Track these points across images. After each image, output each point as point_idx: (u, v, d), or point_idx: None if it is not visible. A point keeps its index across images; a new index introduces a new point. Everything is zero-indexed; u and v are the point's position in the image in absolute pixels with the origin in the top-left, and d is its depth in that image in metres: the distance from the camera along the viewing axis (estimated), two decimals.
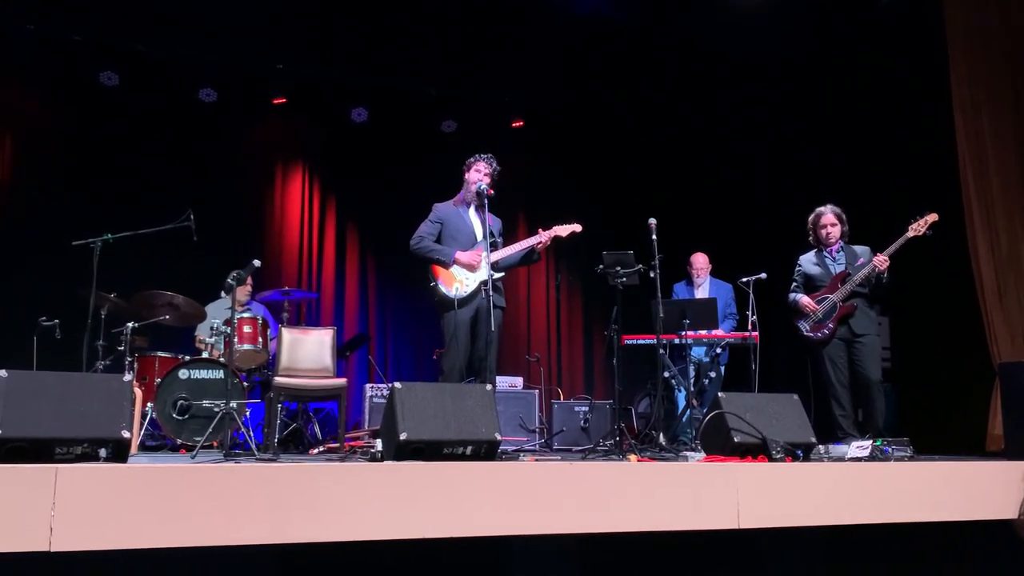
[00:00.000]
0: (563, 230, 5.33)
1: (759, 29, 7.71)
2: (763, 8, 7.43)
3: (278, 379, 5.50)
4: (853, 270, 5.43)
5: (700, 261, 7.13)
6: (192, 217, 5.34)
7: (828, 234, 5.61)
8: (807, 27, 7.76)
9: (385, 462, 3.54)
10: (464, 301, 5.07)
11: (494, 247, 5.16)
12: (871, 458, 4.31)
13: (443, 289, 5.10)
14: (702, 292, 7.03)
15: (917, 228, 5.31)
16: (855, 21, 7.63)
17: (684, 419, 6.45)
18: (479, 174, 5.27)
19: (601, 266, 5.26)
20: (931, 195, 6.02)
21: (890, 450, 4.38)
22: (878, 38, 7.58)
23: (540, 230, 5.29)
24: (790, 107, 8.45)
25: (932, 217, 5.32)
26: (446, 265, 5.15)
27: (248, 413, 5.93)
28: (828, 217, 5.63)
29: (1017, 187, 6.42)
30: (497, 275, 5.10)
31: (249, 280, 6.80)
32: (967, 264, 6.36)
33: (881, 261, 5.28)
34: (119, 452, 3.15)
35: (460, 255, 5.14)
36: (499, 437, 3.69)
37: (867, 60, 7.73)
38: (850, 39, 7.78)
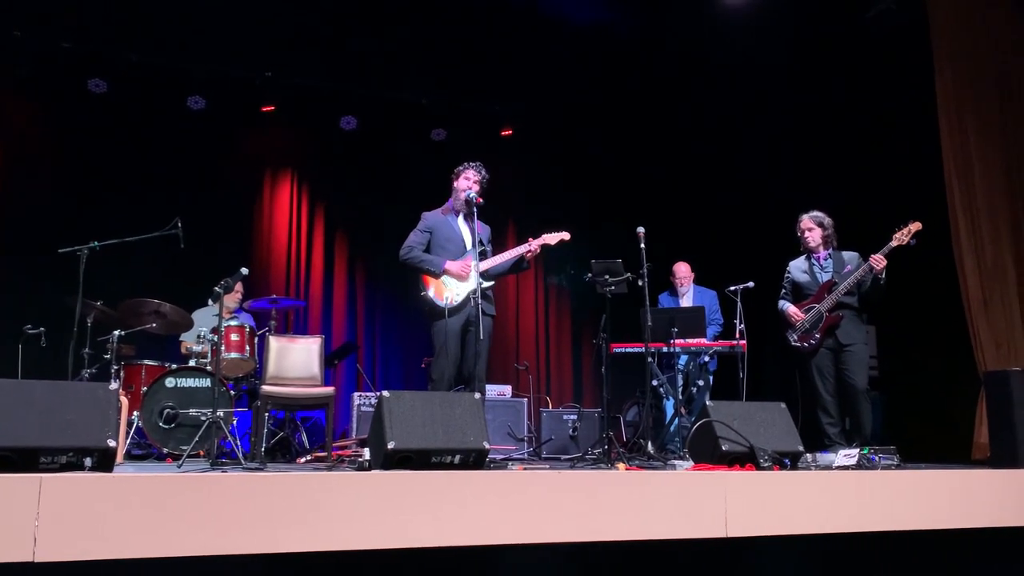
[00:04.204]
0: (552, 238, 5.34)
1: (748, 39, 7.76)
2: (752, 18, 7.48)
3: (265, 388, 5.47)
4: (839, 279, 5.45)
5: (683, 270, 7.16)
6: (180, 225, 5.32)
7: (806, 238, 5.65)
8: (796, 38, 7.82)
9: (373, 471, 3.54)
10: (455, 310, 5.06)
11: (483, 255, 5.17)
12: (858, 466, 4.33)
13: (434, 298, 5.10)
14: (686, 301, 7.05)
15: (900, 237, 5.33)
16: (843, 32, 7.69)
17: (672, 427, 6.46)
18: (468, 182, 5.28)
19: (590, 274, 5.27)
20: (917, 204, 6.06)
21: (877, 458, 4.39)
22: (865, 48, 7.64)
23: (529, 239, 5.30)
24: (778, 116, 8.51)
25: (915, 226, 5.35)
26: (436, 275, 5.14)
27: (235, 422, 5.90)
28: (805, 221, 5.67)
29: (1002, 197, 6.47)
30: (487, 284, 5.11)
31: (239, 287, 6.78)
32: (953, 273, 6.40)
33: (878, 260, 5.24)
34: (104, 461, 3.13)
35: (450, 265, 5.14)
36: (488, 446, 3.69)
37: (854, 70, 7.80)
38: (838, 49, 7.84)
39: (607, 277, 5.17)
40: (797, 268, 5.73)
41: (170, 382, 5.74)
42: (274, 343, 5.75)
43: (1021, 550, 4.08)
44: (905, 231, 5.34)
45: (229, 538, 2.80)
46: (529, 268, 5.53)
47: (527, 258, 5.31)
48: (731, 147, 8.94)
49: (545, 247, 5.33)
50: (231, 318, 6.34)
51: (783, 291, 5.77)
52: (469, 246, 5.25)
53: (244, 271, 4.88)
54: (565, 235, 5.37)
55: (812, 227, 5.63)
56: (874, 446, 4.65)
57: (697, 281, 7.19)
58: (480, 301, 4.83)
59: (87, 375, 5.57)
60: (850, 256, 5.57)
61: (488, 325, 5.01)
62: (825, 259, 5.62)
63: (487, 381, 5.36)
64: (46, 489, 2.63)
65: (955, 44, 6.64)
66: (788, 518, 3.59)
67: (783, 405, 4.36)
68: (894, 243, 5.32)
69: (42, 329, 5.72)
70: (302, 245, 8.77)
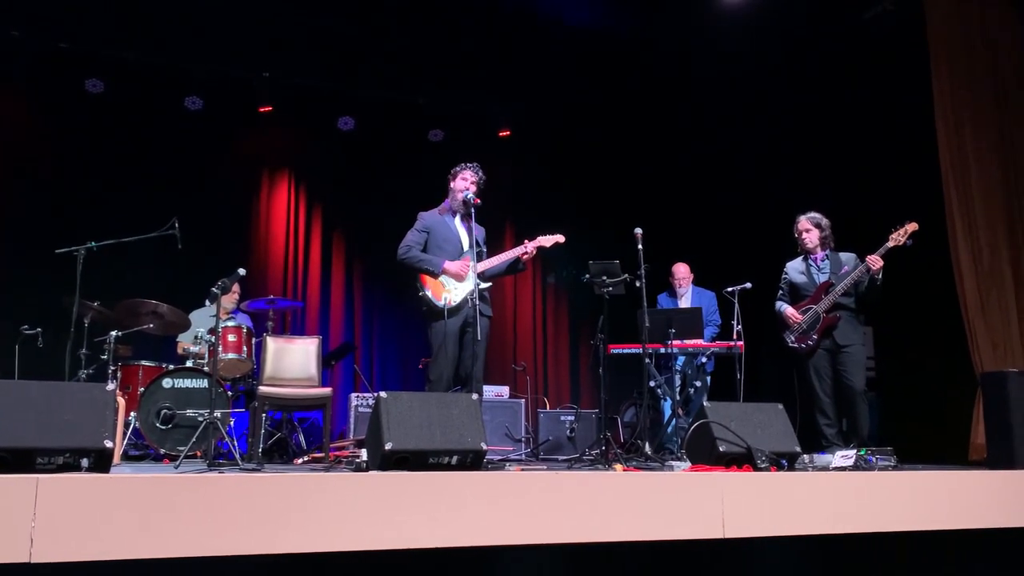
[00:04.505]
0: (547, 241, 5.37)
1: (744, 40, 7.76)
2: (748, 19, 7.48)
3: (263, 388, 5.47)
4: (836, 279, 5.46)
5: (681, 271, 7.16)
6: (177, 225, 5.32)
7: (804, 239, 5.65)
8: (792, 39, 7.83)
9: (370, 472, 3.53)
10: (453, 311, 5.07)
11: (479, 256, 5.17)
12: (855, 467, 4.33)
13: (432, 299, 5.10)
14: (685, 302, 7.05)
15: (897, 238, 5.33)
16: (841, 33, 7.69)
17: (670, 428, 6.47)
18: (465, 183, 5.28)
19: (587, 275, 5.28)
20: (914, 206, 6.07)
21: (874, 459, 4.40)
22: (864, 49, 7.65)
23: (526, 241, 5.32)
24: (775, 118, 8.51)
25: (912, 226, 5.36)
26: (434, 275, 5.14)
27: (232, 423, 5.89)
28: (802, 222, 5.67)
29: (999, 199, 6.48)
30: (484, 285, 5.11)
31: (236, 288, 6.78)
32: (950, 275, 6.41)
33: (874, 261, 5.25)
34: (101, 462, 3.13)
35: (448, 265, 5.14)
36: (485, 446, 3.68)
37: (851, 72, 7.80)
38: (835, 51, 7.85)
39: (604, 278, 5.18)
40: (794, 269, 5.74)
41: (167, 383, 5.74)
42: (271, 344, 5.76)
43: (1018, 551, 4.08)
44: (901, 232, 5.34)
45: (226, 539, 2.79)
46: (525, 270, 5.56)
47: (523, 260, 5.33)
48: (730, 147, 8.94)
49: (541, 249, 5.36)
50: (228, 319, 6.33)
51: (780, 292, 5.77)
52: (466, 247, 5.26)
53: (241, 272, 4.89)
54: (559, 238, 5.41)
55: (809, 228, 5.64)
56: (871, 447, 4.66)
57: (696, 282, 7.19)
58: (478, 302, 4.83)
59: (84, 376, 5.56)
60: (847, 257, 5.57)
61: (485, 326, 5.01)
62: (822, 260, 5.63)
63: (483, 382, 5.37)
64: (43, 490, 2.63)
65: (952, 45, 6.65)
66: (785, 519, 3.59)
67: (780, 406, 4.36)
68: (890, 244, 5.32)
69: (39, 329, 5.71)
70: (299, 246, 8.77)
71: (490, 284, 5.25)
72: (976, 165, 6.48)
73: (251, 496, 2.86)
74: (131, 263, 6.65)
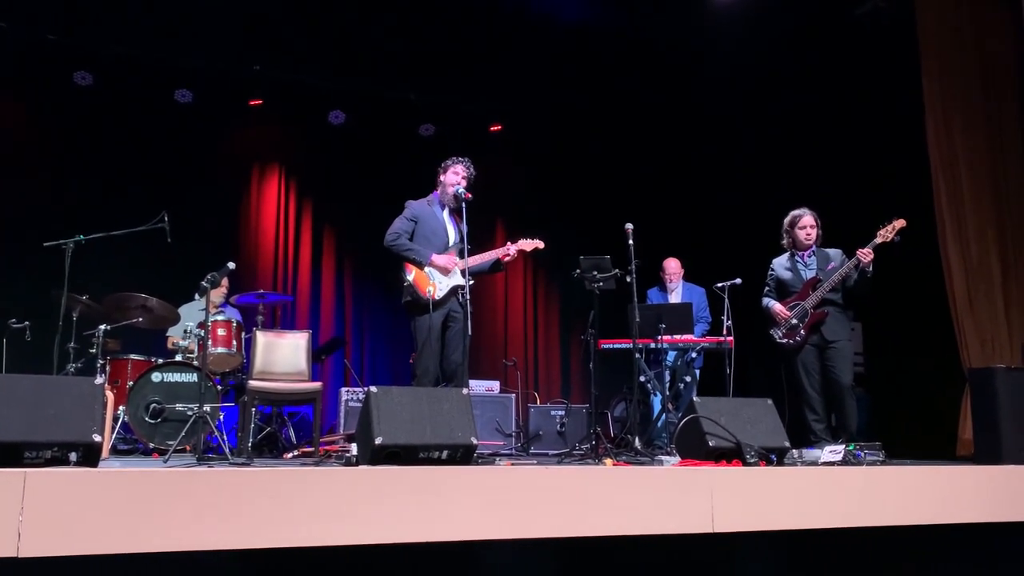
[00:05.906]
0: (527, 245, 5.41)
1: (736, 37, 7.76)
2: (740, 16, 7.49)
3: (252, 383, 5.45)
4: (824, 276, 5.47)
5: (672, 266, 7.17)
6: (166, 219, 5.29)
7: (808, 236, 5.63)
8: (783, 35, 7.83)
9: (360, 466, 3.53)
10: (437, 304, 5.07)
11: (462, 253, 5.17)
12: (844, 462, 4.36)
13: (416, 290, 5.09)
14: (675, 297, 7.07)
15: (885, 234, 5.34)
16: (831, 29, 7.70)
17: (659, 423, 6.48)
18: (456, 177, 5.27)
19: (578, 271, 5.28)
20: (904, 203, 6.09)
21: (862, 454, 4.42)
22: (853, 47, 7.66)
23: (508, 243, 5.34)
24: (764, 115, 8.53)
25: (900, 223, 5.37)
26: (421, 266, 5.14)
27: (222, 417, 5.88)
28: (807, 219, 5.65)
29: (988, 196, 6.50)
30: (469, 281, 5.12)
31: (225, 282, 6.75)
32: (939, 271, 6.43)
33: (865, 254, 5.25)
34: (90, 456, 3.12)
35: (436, 258, 5.13)
36: (475, 441, 3.69)
37: (842, 68, 7.81)
38: (826, 47, 7.86)
39: (595, 273, 5.18)
40: (781, 266, 5.75)
41: (156, 377, 5.72)
42: (261, 338, 5.73)
43: (1003, 545, 4.12)
44: (889, 228, 5.36)
45: (215, 533, 2.79)
46: (504, 270, 5.59)
47: (504, 261, 5.35)
48: (726, 144, 8.95)
49: (521, 252, 5.39)
50: (217, 312, 6.31)
51: (767, 288, 5.79)
52: (452, 241, 5.26)
53: (231, 265, 4.86)
54: (539, 243, 5.47)
55: (814, 224, 5.62)
56: (860, 442, 4.68)
57: (687, 277, 7.20)
58: (466, 297, 4.84)
59: (72, 369, 5.53)
60: (834, 253, 5.59)
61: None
62: (809, 256, 5.64)
63: (475, 377, 5.38)
64: (31, 484, 2.62)
65: (942, 42, 6.66)
66: (774, 514, 3.61)
67: (769, 401, 4.38)
68: (879, 240, 5.34)
69: (27, 323, 5.67)
70: (290, 240, 8.73)
71: (472, 281, 5.25)
72: (965, 162, 6.50)
73: (240, 491, 2.85)
74: (120, 257, 6.61)
